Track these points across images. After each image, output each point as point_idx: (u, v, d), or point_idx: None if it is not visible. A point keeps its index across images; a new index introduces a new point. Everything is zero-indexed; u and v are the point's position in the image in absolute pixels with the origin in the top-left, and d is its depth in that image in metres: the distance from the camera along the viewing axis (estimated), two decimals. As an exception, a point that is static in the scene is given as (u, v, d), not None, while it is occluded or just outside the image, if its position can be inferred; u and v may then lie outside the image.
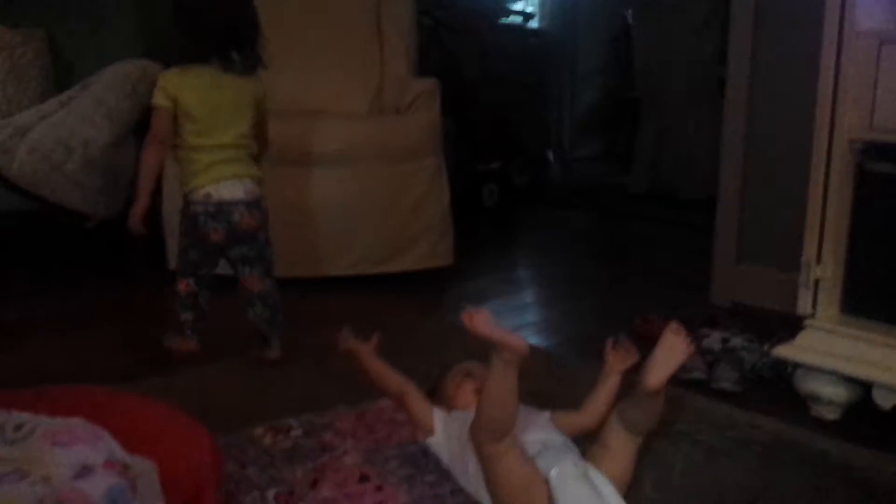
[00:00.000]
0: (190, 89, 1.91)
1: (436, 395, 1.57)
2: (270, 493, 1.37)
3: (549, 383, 1.83)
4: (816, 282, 1.75)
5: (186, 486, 1.23)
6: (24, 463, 1.01)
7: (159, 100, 1.91)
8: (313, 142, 2.72)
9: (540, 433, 1.36)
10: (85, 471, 1.03)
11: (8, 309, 2.50)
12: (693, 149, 4.53)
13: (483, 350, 1.24)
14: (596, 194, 4.89)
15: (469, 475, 1.35)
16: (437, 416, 1.45)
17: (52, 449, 1.05)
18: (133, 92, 2.79)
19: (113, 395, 1.39)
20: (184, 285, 2.03)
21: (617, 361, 1.51)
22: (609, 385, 1.50)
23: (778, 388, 1.95)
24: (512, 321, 2.54)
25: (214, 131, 1.93)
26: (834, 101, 1.66)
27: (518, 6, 5.16)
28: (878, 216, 1.67)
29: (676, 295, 2.73)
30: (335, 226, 2.74)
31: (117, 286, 2.76)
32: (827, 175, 1.69)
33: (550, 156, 5.12)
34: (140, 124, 2.58)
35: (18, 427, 1.10)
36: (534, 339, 2.39)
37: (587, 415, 1.47)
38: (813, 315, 1.77)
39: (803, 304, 1.77)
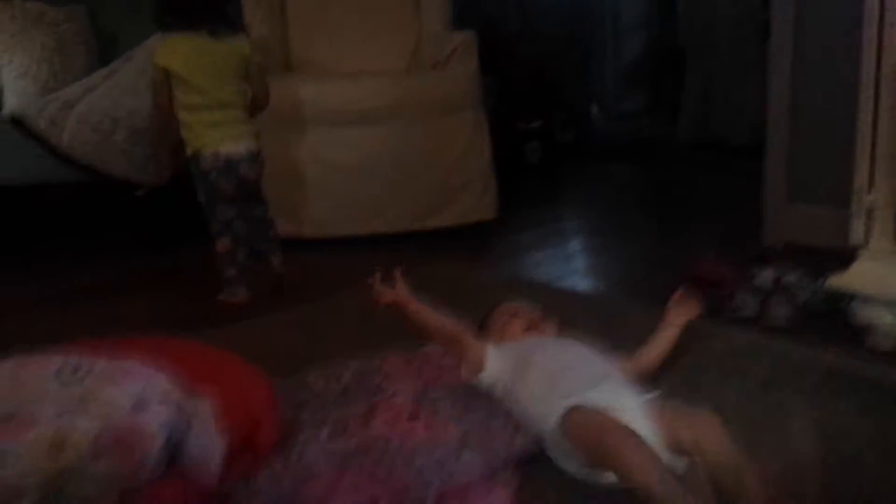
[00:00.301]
0: (179, 57, 2.12)
1: (483, 333, 1.58)
2: (324, 432, 1.39)
3: (602, 327, 1.82)
4: (869, 210, 1.71)
5: (243, 425, 1.27)
6: (81, 402, 1.04)
7: (153, 72, 2.20)
8: (353, 101, 2.74)
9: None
10: (141, 404, 1.06)
11: (58, 277, 2.59)
12: (741, 95, 4.42)
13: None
14: (643, 146, 4.81)
15: (521, 404, 1.36)
16: (489, 351, 1.46)
17: (109, 388, 1.09)
18: None
19: (169, 341, 1.43)
20: (221, 245, 2.22)
21: (679, 314, 1.48)
22: (667, 336, 1.49)
23: (832, 323, 1.92)
24: (560, 270, 2.53)
25: (208, 94, 2.14)
26: (881, 22, 1.60)
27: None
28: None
29: (727, 238, 2.68)
30: (377, 183, 2.76)
31: (169, 252, 2.83)
32: (876, 99, 1.63)
33: (594, 110, 5.05)
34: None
35: (76, 370, 1.14)
36: (583, 285, 2.39)
37: (641, 363, 1.46)
38: (866, 244, 1.73)
39: (856, 234, 1.73)
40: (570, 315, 1.84)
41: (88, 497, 1.02)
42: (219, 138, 2.16)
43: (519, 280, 2.38)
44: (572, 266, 2.61)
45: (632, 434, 1.11)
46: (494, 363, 1.45)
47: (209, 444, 1.15)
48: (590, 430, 1.16)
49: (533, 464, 1.25)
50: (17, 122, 2.69)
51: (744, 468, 1.07)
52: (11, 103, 3.11)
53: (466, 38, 2.92)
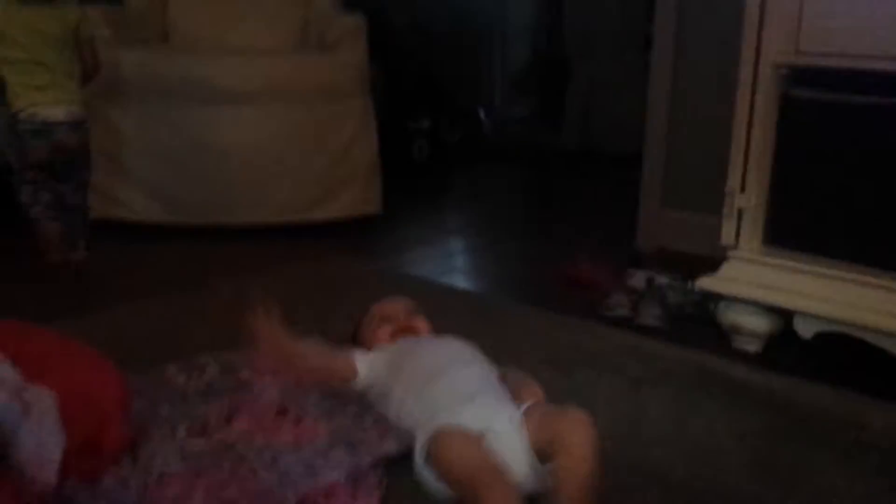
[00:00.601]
0: (5, 16, 2.14)
1: (357, 339, 1.52)
2: (182, 428, 1.29)
3: (478, 325, 1.80)
4: (740, 211, 1.76)
5: (88, 421, 1.16)
6: None
7: None
8: (232, 79, 2.60)
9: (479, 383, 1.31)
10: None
11: None
12: (622, 105, 4.54)
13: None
14: (527, 151, 4.87)
15: (392, 411, 1.31)
16: (360, 360, 1.41)
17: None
18: None
19: (16, 327, 1.29)
20: (36, 211, 2.22)
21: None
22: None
23: (702, 325, 1.97)
24: (441, 267, 2.50)
25: (28, 52, 2.14)
26: (760, 26, 1.65)
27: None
28: (802, 143, 1.67)
29: (604, 242, 2.73)
30: (258, 170, 2.63)
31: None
32: (752, 103, 1.68)
33: (482, 113, 5.07)
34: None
35: None
36: (463, 283, 2.37)
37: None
38: (736, 246, 1.78)
39: (727, 235, 1.78)
40: (447, 312, 1.83)
41: None
42: (38, 100, 2.15)
43: (399, 276, 2.34)
44: (453, 264, 2.59)
45: (501, 483, 1.06)
46: (365, 369, 1.39)
47: (48, 439, 1.04)
48: (456, 468, 1.09)
49: (401, 465, 1.20)
50: None
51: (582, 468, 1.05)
52: None
53: (356, 23, 2.84)
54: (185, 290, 2.05)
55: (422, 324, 1.51)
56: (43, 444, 1.04)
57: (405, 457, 1.21)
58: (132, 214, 2.62)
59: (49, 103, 2.16)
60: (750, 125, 1.69)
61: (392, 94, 3.91)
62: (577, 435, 1.09)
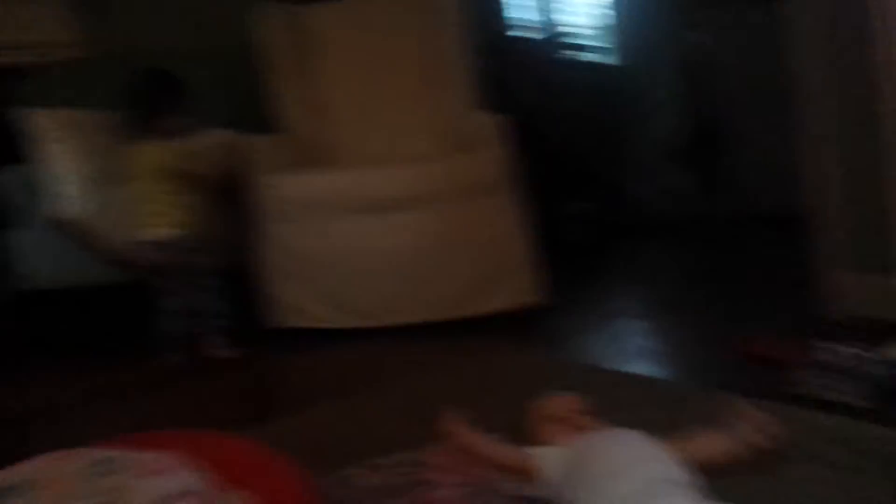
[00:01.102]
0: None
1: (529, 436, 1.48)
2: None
3: (659, 413, 1.71)
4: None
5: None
6: (109, 495, 0.98)
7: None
8: (382, 188, 2.75)
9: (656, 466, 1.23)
10: (170, 498, 0.99)
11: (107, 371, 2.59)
12: (774, 162, 4.35)
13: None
14: (684, 222, 4.73)
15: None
16: (542, 457, 1.35)
17: (140, 480, 1.03)
18: None
19: (207, 436, 1.37)
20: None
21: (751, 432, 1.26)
22: (727, 444, 1.27)
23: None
24: (610, 352, 2.43)
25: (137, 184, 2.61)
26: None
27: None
28: None
29: (779, 312, 2.55)
30: (413, 271, 2.72)
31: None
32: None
33: (632, 188, 5.01)
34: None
35: (109, 461, 1.08)
36: (634, 368, 2.28)
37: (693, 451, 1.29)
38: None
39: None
40: (622, 400, 1.75)
41: None
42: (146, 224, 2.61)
43: (568, 363, 2.28)
44: (622, 347, 2.50)
45: None
46: (547, 469, 1.34)
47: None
48: None
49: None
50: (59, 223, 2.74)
51: None
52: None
53: (493, 120, 2.91)
54: (359, 392, 2.09)
55: (591, 422, 1.43)
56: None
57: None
58: (304, 321, 2.75)
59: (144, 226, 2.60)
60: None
61: (539, 179, 3.93)
62: None
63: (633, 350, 2.49)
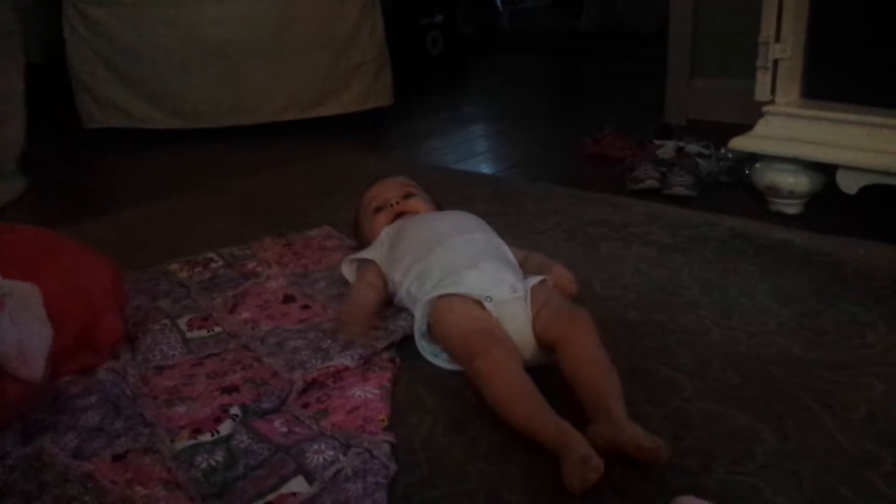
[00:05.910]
0: None
1: (359, 234, 1.43)
2: (183, 320, 1.23)
3: (495, 207, 1.71)
4: (775, 63, 1.60)
5: (81, 313, 1.09)
6: None
7: None
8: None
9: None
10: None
11: None
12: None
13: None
14: (547, 37, 4.66)
15: (397, 286, 1.22)
16: (370, 254, 1.30)
17: None
18: None
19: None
20: None
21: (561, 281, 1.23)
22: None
23: (736, 191, 1.86)
24: (459, 154, 2.39)
25: None
26: None
27: None
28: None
29: (629, 118, 2.57)
30: (259, 66, 2.50)
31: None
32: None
33: (498, 3, 4.84)
34: None
35: None
36: (482, 168, 2.25)
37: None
38: (772, 101, 1.63)
39: (761, 90, 1.63)
40: (465, 198, 1.73)
41: None
42: None
43: (415, 164, 2.23)
44: (471, 150, 2.47)
45: (498, 344, 0.98)
46: (372, 253, 1.30)
47: (30, 334, 0.97)
48: (453, 333, 1.03)
49: (412, 345, 1.12)
50: None
51: (602, 390, 0.92)
52: None
53: None
54: (192, 191, 1.97)
55: (419, 204, 1.38)
56: (25, 339, 0.97)
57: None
58: (136, 122, 2.53)
59: None
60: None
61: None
62: (582, 336, 1.00)
63: (478, 152, 2.46)
